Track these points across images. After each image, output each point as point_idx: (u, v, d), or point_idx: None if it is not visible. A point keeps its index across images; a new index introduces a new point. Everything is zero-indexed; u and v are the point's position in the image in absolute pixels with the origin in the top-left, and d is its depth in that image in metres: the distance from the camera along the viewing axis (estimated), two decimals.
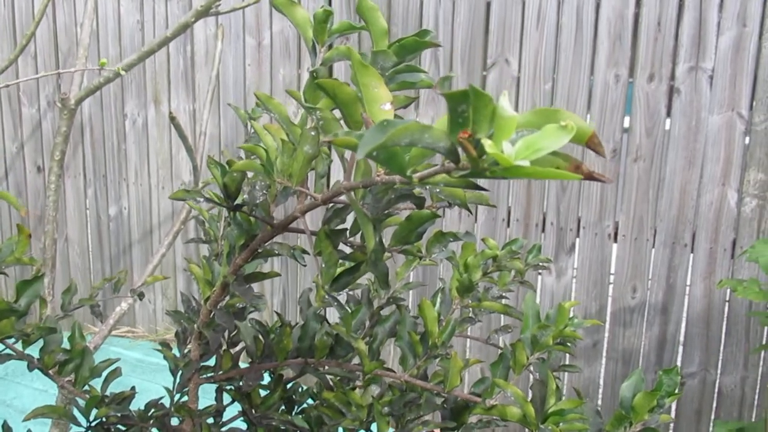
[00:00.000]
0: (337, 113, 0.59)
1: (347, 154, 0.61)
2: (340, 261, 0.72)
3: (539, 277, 2.08)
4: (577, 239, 2.00)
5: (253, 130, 1.26)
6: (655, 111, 1.86)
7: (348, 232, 0.74)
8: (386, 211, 0.62)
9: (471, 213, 0.59)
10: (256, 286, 2.33)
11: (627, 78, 1.89)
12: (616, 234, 1.96)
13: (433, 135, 0.35)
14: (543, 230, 2.01)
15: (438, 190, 0.46)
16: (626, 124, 1.92)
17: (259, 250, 0.79)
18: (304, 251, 0.83)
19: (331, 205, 0.69)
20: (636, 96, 1.88)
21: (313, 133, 0.59)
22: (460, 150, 0.36)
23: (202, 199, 0.74)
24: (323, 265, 0.65)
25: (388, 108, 0.50)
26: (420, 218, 0.68)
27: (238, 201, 0.73)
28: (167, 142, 2.54)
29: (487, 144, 0.32)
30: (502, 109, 0.34)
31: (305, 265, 0.76)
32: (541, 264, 1.06)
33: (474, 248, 0.87)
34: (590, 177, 0.37)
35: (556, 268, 2.02)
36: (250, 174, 0.70)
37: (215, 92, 2.23)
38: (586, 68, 1.91)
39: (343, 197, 0.63)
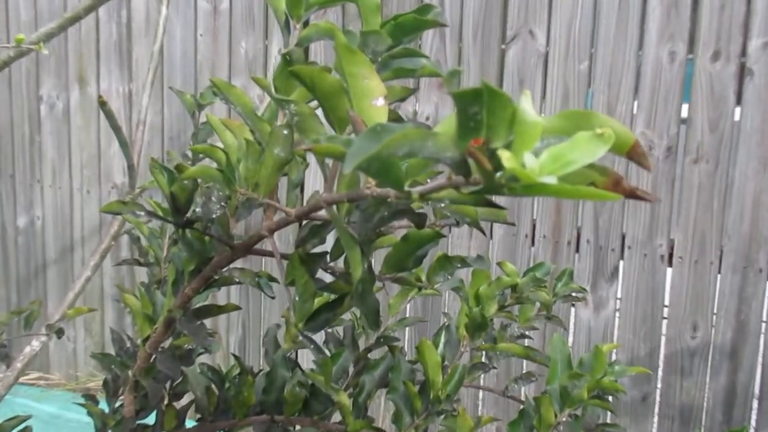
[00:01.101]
0: (315, 105, 0.60)
1: (329, 158, 0.63)
2: (318, 292, 0.74)
3: (572, 310, 2.09)
4: (621, 262, 2.02)
5: (202, 121, 1.27)
6: (721, 98, 1.89)
7: (329, 255, 0.76)
8: (377, 230, 0.64)
9: (484, 233, 0.61)
10: (208, 322, 2.34)
11: (685, 55, 1.92)
12: (671, 256, 1.98)
13: (437, 143, 0.37)
14: (577, 250, 2.03)
15: (443, 205, 0.47)
16: (684, 113, 1.95)
17: (215, 278, 0.80)
18: (272, 279, 0.84)
19: (307, 222, 0.70)
20: (697, 78, 1.91)
21: (285, 132, 0.61)
22: (471, 161, 0.38)
23: (142, 213, 0.76)
24: (296, 298, 0.66)
25: (381, 103, 0.51)
26: (420, 239, 0.70)
27: (189, 215, 0.74)
28: (95, 133, 2.55)
29: (505, 156, 0.33)
30: (523, 112, 0.35)
31: (273, 297, 0.77)
32: (573, 294, 1.08)
33: (487, 275, 0.88)
34: (633, 195, 0.39)
35: (594, 299, 2.04)
36: (203, 181, 0.71)
37: (158, 70, 2.24)
38: (633, 42, 1.94)
39: (322, 213, 0.64)
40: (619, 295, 2.06)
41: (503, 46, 2.06)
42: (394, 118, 0.61)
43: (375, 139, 0.36)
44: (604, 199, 0.35)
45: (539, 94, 2.02)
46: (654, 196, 0.39)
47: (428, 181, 0.55)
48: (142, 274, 2.46)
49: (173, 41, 2.38)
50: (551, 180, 0.34)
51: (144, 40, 2.44)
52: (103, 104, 1.50)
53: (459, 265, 0.70)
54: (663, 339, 2.04)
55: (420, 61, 0.59)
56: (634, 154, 0.38)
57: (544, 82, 2.02)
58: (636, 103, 1.97)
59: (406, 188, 0.44)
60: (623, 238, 2.00)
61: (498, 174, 0.36)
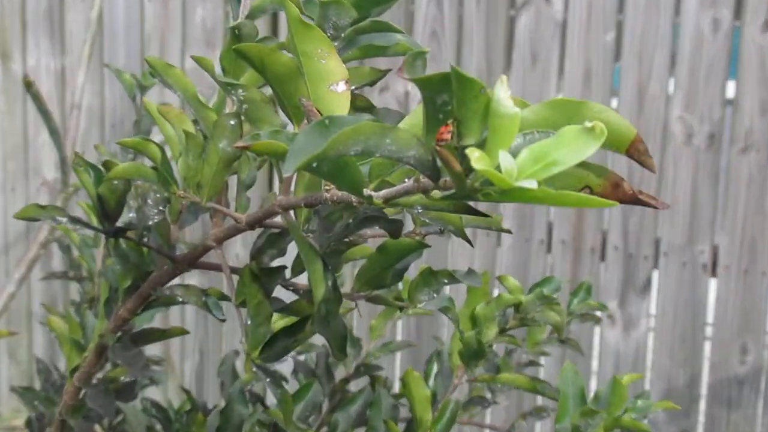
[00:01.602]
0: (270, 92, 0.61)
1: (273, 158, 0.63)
2: (277, 314, 0.74)
3: (597, 330, 2.10)
4: (656, 272, 2.03)
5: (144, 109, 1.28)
6: None
7: (290, 270, 0.76)
8: (346, 239, 0.64)
9: (471, 244, 0.61)
10: (159, 347, 2.34)
11: (731, 24, 1.92)
12: (714, 264, 1.99)
13: (398, 140, 0.37)
14: (603, 258, 2.04)
15: (419, 210, 0.48)
16: (730, 93, 1.96)
17: (155, 296, 0.80)
18: (224, 297, 0.84)
19: (261, 230, 0.70)
20: (745, 51, 1.91)
21: (232, 123, 0.61)
22: (439, 162, 0.38)
23: (65, 219, 0.76)
24: (248, 322, 0.66)
25: (342, 89, 0.52)
26: (399, 250, 0.70)
27: (121, 222, 0.75)
28: (20, 119, 2.54)
29: (474, 156, 0.33)
30: (498, 102, 0.36)
31: (223, 320, 0.78)
32: (592, 313, 1.09)
33: (486, 292, 0.89)
34: (635, 201, 0.40)
35: (623, 317, 2.05)
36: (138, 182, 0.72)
37: (96, 43, 2.24)
38: (668, 8, 1.95)
39: (279, 219, 0.64)
40: (653, 312, 2.06)
41: (512, 13, 2.06)
42: (364, 106, 0.62)
43: (321, 136, 0.37)
44: (597, 207, 0.35)
45: (556, 71, 2.03)
46: (662, 202, 0.39)
47: (406, 180, 0.55)
48: (74, 290, 2.46)
49: (115, 7, 2.37)
50: (531, 184, 0.34)
51: (79, 6, 2.44)
52: (29, 85, 1.50)
53: (446, 281, 0.71)
54: (706, 364, 2.04)
55: (393, 36, 0.59)
56: (634, 151, 0.38)
57: (561, 56, 2.03)
58: (672, 81, 1.98)
59: (368, 192, 0.44)
60: (657, 243, 2.01)
61: (470, 177, 0.37)
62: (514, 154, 0.36)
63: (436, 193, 0.41)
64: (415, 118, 0.45)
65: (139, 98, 1.36)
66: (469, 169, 0.36)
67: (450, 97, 0.37)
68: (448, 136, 0.39)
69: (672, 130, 1.95)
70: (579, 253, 2.05)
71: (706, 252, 1.97)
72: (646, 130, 1.95)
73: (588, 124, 0.35)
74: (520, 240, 2.09)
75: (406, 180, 0.45)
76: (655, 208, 0.39)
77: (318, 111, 0.50)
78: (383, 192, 0.44)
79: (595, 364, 2.17)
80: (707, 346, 2.04)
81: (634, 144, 0.38)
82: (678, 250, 1.99)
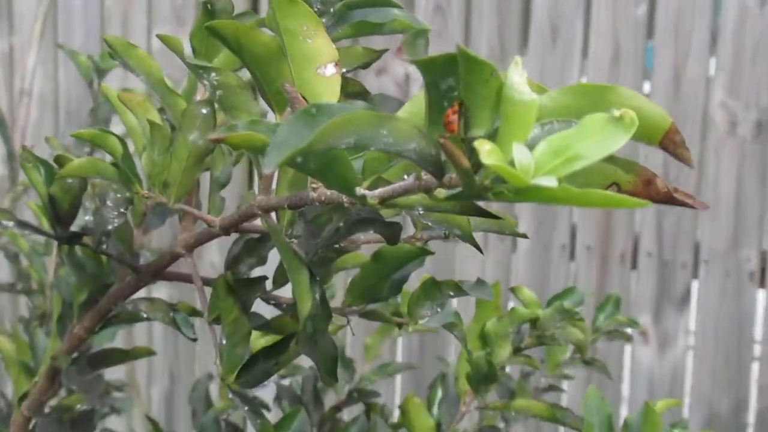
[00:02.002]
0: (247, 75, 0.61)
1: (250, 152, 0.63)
2: (257, 332, 0.74)
3: (628, 348, 2.10)
4: (695, 282, 2.03)
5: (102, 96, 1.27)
6: None
7: (272, 281, 0.76)
8: (336, 245, 0.64)
9: (480, 250, 0.61)
10: (122, 369, 2.34)
11: None
12: (763, 272, 1.98)
13: (396, 131, 0.37)
14: (634, 266, 2.04)
15: (420, 212, 0.48)
16: None
17: (115, 312, 0.80)
18: (196, 313, 0.84)
19: (238, 235, 0.70)
20: None
21: (204, 112, 0.61)
22: (444, 156, 0.38)
23: (11, 223, 0.76)
24: (223, 342, 0.66)
25: (331, 72, 0.52)
26: (397, 258, 0.70)
27: (76, 227, 0.74)
28: None
29: (484, 149, 0.33)
30: (512, 87, 0.35)
31: (195, 339, 0.77)
32: (618, 330, 1.08)
33: (497, 306, 0.89)
34: (670, 201, 0.39)
35: (658, 334, 2.05)
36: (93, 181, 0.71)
37: (49, 19, 2.24)
38: None
39: (258, 222, 0.64)
40: (692, 328, 2.06)
41: None
42: (356, 91, 0.62)
43: (307, 126, 0.36)
44: (627, 207, 0.35)
45: (579, 49, 2.03)
46: (701, 202, 0.39)
47: (406, 177, 0.55)
48: (23, 305, 2.46)
49: None
50: (550, 182, 0.34)
51: None
52: None
53: (452, 294, 0.70)
54: (754, 388, 2.04)
55: (390, 11, 0.59)
56: (669, 143, 0.38)
57: (585, 33, 2.02)
58: (714, 61, 1.98)
59: (361, 191, 0.44)
60: (697, 248, 2.01)
61: (479, 173, 0.37)
62: (531, 146, 0.36)
63: (440, 192, 0.41)
64: (415, 105, 0.45)
65: (96, 83, 1.36)
66: (478, 165, 0.36)
67: (456, 82, 0.37)
68: (455, 122, 0.39)
69: (713, 117, 1.95)
70: (606, 260, 2.05)
71: (753, 258, 1.97)
72: (683, 118, 1.95)
73: (616, 113, 0.35)
74: (539, 245, 2.09)
75: (406, 177, 0.45)
76: (693, 207, 0.39)
77: (303, 98, 0.50)
78: (379, 191, 0.44)
79: (625, 388, 2.17)
80: (755, 367, 2.04)
81: (668, 135, 0.38)
82: (721, 256, 1.99)
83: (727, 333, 2.01)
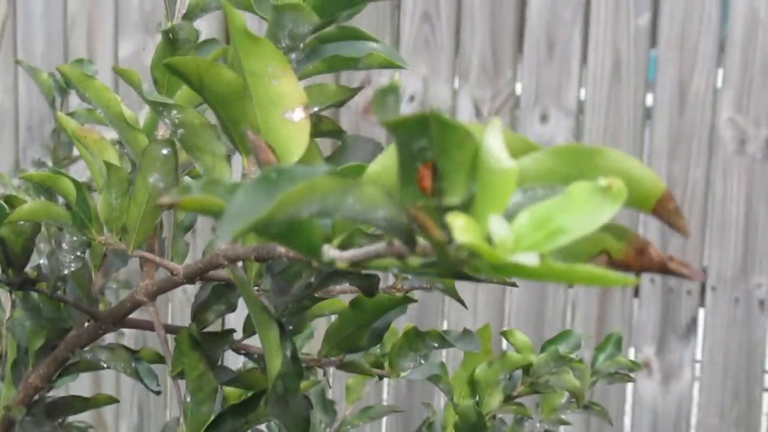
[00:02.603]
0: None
1: (237, 172, 0.62)
2: (224, 387, 0.73)
3: (631, 385, 2.09)
4: (702, 310, 2.02)
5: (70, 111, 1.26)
6: None
7: (242, 329, 0.75)
8: (309, 294, 0.64)
9: (465, 306, 0.61)
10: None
11: None
12: None
13: (363, 198, 0.36)
14: (636, 294, 2.04)
15: (396, 270, 0.47)
16: None
17: (73, 360, 0.80)
18: (162, 359, 0.83)
19: (204, 282, 0.70)
20: None
21: (165, 152, 0.61)
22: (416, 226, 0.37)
23: None
24: (188, 399, 0.65)
25: (299, 116, 0.51)
26: (377, 305, 0.70)
27: (29, 271, 0.74)
28: None
29: (457, 225, 0.33)
30: (489, 153, 0.35)
31: (158, 392, 0.77)
32: (620, 373, 1.08)
33: (487, 351, 0.88)
34: (664, 270, 0.39)
35: (662, 366, 2.05)
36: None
37: (6, 28, 2.23)
38: None
39: (224, 272, 0.64)
40: (698, 358, 2.06)
41: None
42: (329, 130, 0.61)
43: (266, 194, 0.36)
44: (618, 285, 0.34)
45: (577, 61, 2.03)
46: (697, 271, 0.38)
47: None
48: None
49: None
50: (531, 259, 0.33)
51: None
52: None
53: (436, 345, 0.70)
54: (765, 422, 2.04)
55: (365, 45, 0.59)
56: (662, 210, 0.38)
57: (584, 44, 2.02)
58: (721, 74, 1.98)
59: (330, 252, 0.43)
60: (704, 273, 2.00)
61: (454, 244, 0.36)
62: (511, 215, 0.36)
63: (414, 259, 0.40)
64: (390, 158, 0.44)
65: (59, 102, 1.35)
66: (449, 239, 0.35)
67: (429, 143, 0.36)
68: (428, 179, 0.38)
69: (721, 135, 1.95)
70: (607, 288, 2.04)
71: (764, 285, 1.97)
72: (688, 134, 1.95)
73: (603, 182, 0.34)
74: None
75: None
76: (689, 278, 0.38)
77: (268, 145, 0.49)
78: (349, 254, 0.43)
79: (627, 422, 2.17)
80: (766, 400, 2.04)
81: (661, 202, 0.37)
82: (729, 283, 1.99)
83: (736, 364, 2.01)
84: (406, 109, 2.02)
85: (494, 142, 0.35)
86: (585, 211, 0.34)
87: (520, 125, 2.04)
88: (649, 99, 2.03)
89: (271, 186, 0.36)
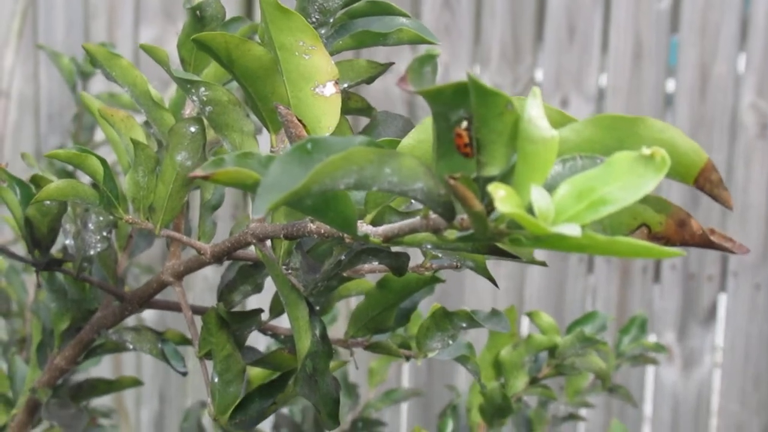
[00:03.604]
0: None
1: (265, 150, 0.62)
2: (252, 367, 0.73)
3: (651, 367, 2.08)
4: (723, 296, 2.01)
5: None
6: None
7: (268, 310, 0.75)
8: (337, 273, 0.63)
9: (495, 284, 0.60)
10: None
11: None
12: None
13: (401, 169, 0.36)
14: (657, 279, 2.03)
15: (429, 246, 0.46)
16: None
17: (99, 341, 0.79)
18: (187, 341, 0.83)
19: (230, 262, 0.69)
20: None
21: (193, 130, 0.60)
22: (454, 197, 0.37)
23: None
24: (215, 379, 0.65)
25: (331, 91, 0.50)
26: (404, 286, 0.69)
27: (56, 250, 0.73)
28: None
29: (499, 195, 0.32)
30: (530, 122, 0.34)
31: (184, 373, 0.76)
32: (644, 355, 1.07)
33: (513, 332, 0.87)
34: (706, 244, 0.38)
35: (683, 352, 2.04)
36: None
37: (28, 15, 2.23)
38: None
39: (252, 250, 0.63)
40: (719, 344, 2.05)
41: None
42: (358, 107, 0.61)
43: (302, 165, 0.35)
44: (661, 256, 0.34)
45: (598, 46, 2.02)
46: (740, 245, 0.38)
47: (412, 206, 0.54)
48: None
49: None
50: (573, 231, 0.33)
51: None
52: None
53: (464, 325, 0.69)
54: None
55: (395, 20, 0.58)
56: (705, 182, 0.37)
57: (605, 28, 2.01)
58: (743, 58, 1.96)
59: (364, 228, 0.43)
60: (725, 260, 1.99)
61: (493, 217, 0.35)
62: (551, 187, 0.35)
63: (451, 233, 0.39)
64: (423, 132, 0.44)
65: (80, 87, 1.35)
66: (492, 207, 0.35)
67: (467, 113, 0.36)
68: (466, 141, 0.37)
69: (743, 119, 1.94)
70: (627, 273, 2.03)
71: None
72: (711, 119, 1.94)
73: (646, 151, 0.34)
74: (556, 257, 2.07)
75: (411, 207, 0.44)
76: (731, 252, 0.37)
77: (299, 120, 0.48)
78: (383, 228, 0.43)
79: (648, 408, 2.16)
80: None
81: (704, 173, 0.37)
82: (751, 268, 1.97)
83: (757, 350, 2.00)
84: None
85: (535, 111, 0.34)
86: (627, 182, 0.34)
87: None
88: (671, 84, 2.02)
89: (306, 157, 0.36)
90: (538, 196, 0.33)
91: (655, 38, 1.98)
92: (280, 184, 0.34)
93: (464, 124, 0.37)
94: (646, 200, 0.38)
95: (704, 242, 0.38)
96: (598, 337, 0.88)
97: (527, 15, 2.05)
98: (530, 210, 0.34)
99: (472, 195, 0.34)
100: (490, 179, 0.36)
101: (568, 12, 2.02)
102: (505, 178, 0.36)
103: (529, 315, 0.91)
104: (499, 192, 0.32)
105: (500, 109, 0.35)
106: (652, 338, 2.02)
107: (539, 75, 2.07)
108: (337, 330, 0.88)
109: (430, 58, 0.39)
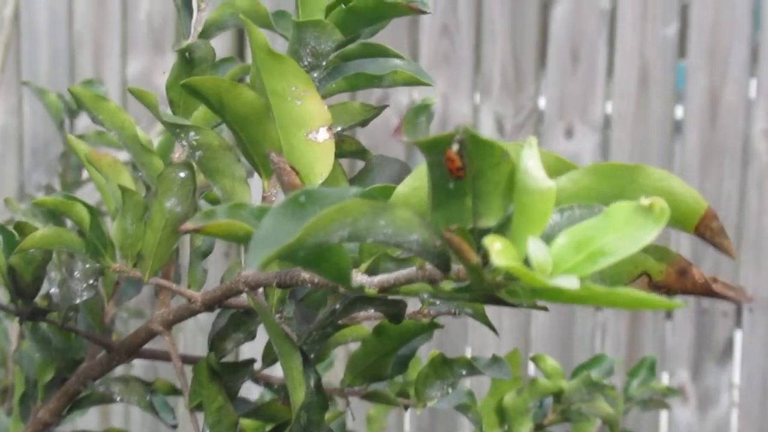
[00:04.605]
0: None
1: (256, 195, 0.62)
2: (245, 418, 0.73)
3: (666, 411, 2.08)
4: (739, 332, 2.02)
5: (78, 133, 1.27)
6: None
7: (261, 358, 0.75)
8: (332, 321, 0.64)
9: (495, 332, 0.61)
10: None
11: None
12: None
13: (395, 221, 0.36)
14: (669, 316, 2.03)
15: (426, 295, 0.47)
16: None
17: (85, 393, 0.80)
18: (177, 391, 0.83)
19: (222, 309, 0.70)
20: None
21: (183, 175, 0.61)
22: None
23: None
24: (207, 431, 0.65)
25: (324, 137, 0.51)
26: (402, 331, 0.70)
27: (39, 299, 0.74)
28: None
29: (495, 249, 0.33)
30: (526, 173, 0.35)
31: (174, 426, 0.77)
32: (654, 399, 1.08)
33: (516, 377, 0.88)
34: (708, 293, 0.39)
35: (698, 391, 2.04)
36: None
37: (10, 48, 2.24)
38: None
39: (244, 297, 0.64)
40: (735, 381, 2.04)
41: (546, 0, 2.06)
42: (353, 150, 0.61)
43: (295, 218, 0.36)
44: (663, 309, 0.35)
45: (603, 71, 2.03)
46: (744, 293, 0.38)
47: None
48: None
49: (35, 1, 2.38)
50: (572, 283, 0.33)
51: None
52: None
53: (464, 372, 0.70)
54: None
55: (390, 62, 0.59)
56: (705, 230, 0.38)
57: (610, 54, 2.02)
58: (754, 83, 1.97)
59: (358, 278, 0.44)
60: (752, 297, 1.99)
61: (489, 267, 0.36)
62: (549, 237, 0.36)
63: (447, 283, 0.40)
64: (418, 179, 0.45)
65: (68, 124, 1.36)
66: (488, 259, 0.36)
67: (462, 165, 0.37)
68: (458, 165, 0.38)
69: (755, 147, 1.95)
70: (638, 310, 2.04)
71: None
72: (722, 146, 1.94)
73: (644, 201, 0.34)
74: None
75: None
76: (734, 301, 0.38)
77: (292, 168, 0.49)
78: (378, 279, 0.44)
79: None
80: None
81: (704, 221, 0.38)
82: (767, 302, 1.98)
83: None
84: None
85: (531, 162, 0.35)
86: (626, 233, 0.34)
87: (545, 141, 2.03)
88: (680, 110, 2.03)
89: (300, 210, 0.37)
90: (535, 248, 0.34)
91: (662, 64, 1.99)
92: (273, 238, 0.35)
93: (455, 147, 0.37)
94: (647, 249, 0.39)
95: (706, 291, 0.38)
96: (605, 381, 0.88)
97: (529, 41, 2.06)
98: (527, 262, 0.35)
99: (467, 247, 0.35)
100: (487, 230, 0.37)
101: (572, 38, 2.03)
102: (502, 228, 0.37)
103: (534, 359, 0.92)
104: (495, 245, 0.33)
105: (497, 160, 0.36)
106: (664, 377, 2.03)
107: (542, 103, 2.08)
108: (335, 374, 0.89)
109: (425, 108, 0.40)
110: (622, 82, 2.02)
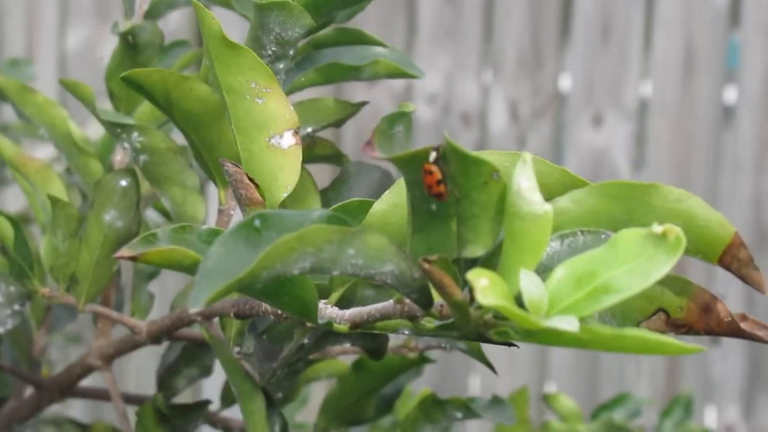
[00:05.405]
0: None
1: (213, 207, 0.63)
2: None
3: None
4: None
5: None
6: None
7: (220, 398, 0.76)
8: (303, 357, 0.64)
9: (493, 370, 0.62)
10: None
11: None
12: None
13: (366, 250, 0.37)
14: (715, 340, 2.03)
15: (406, 332, 0.48)
16: None
17: None
18: None
19: (169, 342, 0.70)
20: None
21: (125, 184, 0.61)
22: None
23: None
24: None
25: (289, 142, 0.52)
26: (385, 369, 0.70)
27: None
28: None
29: (481, 286, 0.34)
30: (519, 195, 0.36)
31: None
32: None
33: (525, 419, 0.89)
34: (736, 333, 0.40)
35: (750, 429, 2.03)
36: None
37: None
38: None
39: (197, 328, 0.64)
40: None
41: None
42: (326, 154, 0.62)
43: (249, 247, 0.37)
44: (675, 354, 0.35)
45: (639, 47, 2.02)
46: None
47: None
48: None
49: None
50: (570, 324, 0.34)
51: None
52: None
53: (459, 415, 0.71)
54: None
55: (369, 51, 0.59)
56: (731, 260, 0.39)
57: (647, 27, 2.02)
58: None
59: (327, 311, 0.45)
60: None
61: (476, 304, 0.37)
62: (547, 268, 0.37)
63: (429, 320, 0.41)
64: (399, 195, 0.45)
65: None
66: (470, 300, 0.37)
67: (438, 145, 0.37)
68: (438, 178, 0.38)
69: None
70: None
71: None
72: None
73: (657, 228, 0.35)
74: None
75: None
76: (764, 342, 0.39)
77: (250, 179, 0.50)
78: (350, 313, 0.44)
79: None
80: None
81: (730, 250, 0.38)
82: None
83: None
84: (426, 113, 2.02)
85: (525, 181, 0.36)
86: (635, 266, 0.35)
87: (567, 131, 2.03)
88: (732, 93, 2.02)
89: (254, 236, 0.37)
90: (528, 283, 0.35)
91: (711, 39, 1.99)
92: (222, 270, 0.36)
93: (433, 155, 0.37)
94: (663, 280, 0.39)
95: (734, 331, 0.39)
96: (631, 424, 0.89)
97: (550, 10, 2.05)
98: (520, 299, 0.35)
99: (450, 281, 0.36)
100: (473, 261, 0.38)
101: (602, 5, 2.02)
102: (491, 259, 0.37)
103: (546, 399, 0.93)
104: (480, 281, 0.34)
105: (484, 179, 0.36)
106: (710, 414, 2.03)
107: (565, 84, 2.07)
108: (311, 412, 0.89)
109: (401, 116, 0.40)
110: (663, 60, 2.02)
